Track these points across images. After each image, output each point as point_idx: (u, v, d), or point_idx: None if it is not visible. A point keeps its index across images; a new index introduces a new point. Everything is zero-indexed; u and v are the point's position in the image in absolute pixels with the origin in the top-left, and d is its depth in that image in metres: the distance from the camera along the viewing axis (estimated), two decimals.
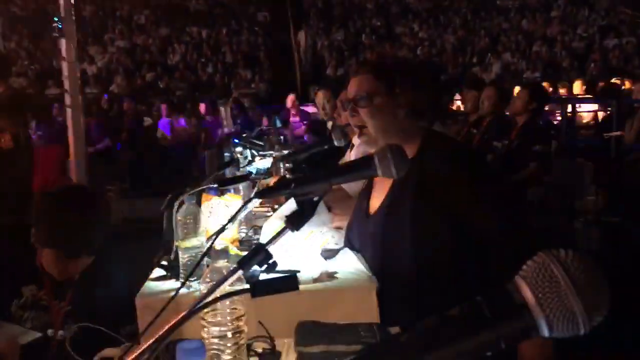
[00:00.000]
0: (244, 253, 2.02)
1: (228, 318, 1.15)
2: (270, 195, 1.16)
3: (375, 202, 1.93)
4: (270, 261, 1.05)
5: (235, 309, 1.17)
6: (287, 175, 2.38)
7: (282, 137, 4.54)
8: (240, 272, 1.06)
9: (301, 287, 1.80)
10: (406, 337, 0.65)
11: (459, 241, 1.68)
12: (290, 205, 1.16)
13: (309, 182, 1.07)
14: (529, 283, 0.62)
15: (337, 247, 2.12)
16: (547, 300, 0.62)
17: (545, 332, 0.62)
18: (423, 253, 1.73)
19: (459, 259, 1.69)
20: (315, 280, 1.86)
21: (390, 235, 1.81)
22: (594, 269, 0.62)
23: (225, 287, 1.08)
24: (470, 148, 1.97)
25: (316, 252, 2.03)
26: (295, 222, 1.04)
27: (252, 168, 3.57)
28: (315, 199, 1.07)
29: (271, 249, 1.08)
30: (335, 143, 2.41)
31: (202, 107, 9.65)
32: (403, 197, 1.79)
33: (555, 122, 7.62)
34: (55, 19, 5.68)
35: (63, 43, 5.79)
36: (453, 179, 1.71)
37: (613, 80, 9.14)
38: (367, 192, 2.02)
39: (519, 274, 0.64)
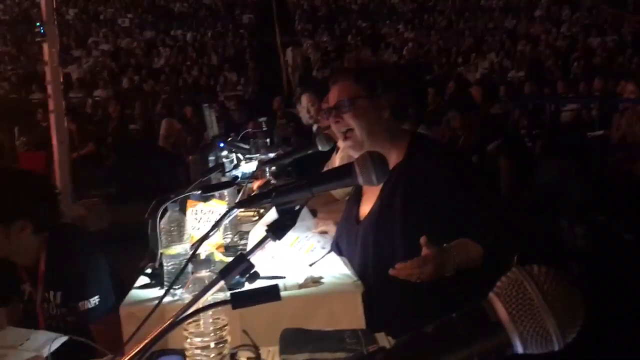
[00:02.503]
0: (230, 259, 2.02)
1: (211, 328, 1.15)
2: (251, 205, 1.15)
3: (365, 207, 1.93)
4: (252, 271, 1.05)
5: (218, 318, 1.16)
6: (272, 180, 2.38)
7: (268, 140, 4.51)
8: (222, 282, 1.05)
9: (286, 293, 1.81)
10: (382, 355, 0.65)
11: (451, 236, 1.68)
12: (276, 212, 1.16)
13: (290, 191, 1.06)
14: (503, 300, 0.62)
15: (323, 251, 2.12)
16: (520, 317, 0.62)
17: (519, 349, 0.63)
18: (413, 257, 1.73)
19: None
20: (300, 286, 1.85)
21: (381, 240, 1.81)
22: (567, 284, 0.63)
23: (208, 297, 1.07)
24: (456, 150, 1.98)
25: (302, 258, 2.03)
26: (276, 231, 1.04)
27: (238, 172, 3.55)
28: (297, 207, 1.06)
29: (257, 255, 1.08)
30: (319, 148, 2.41)
31: (188, 111, 9.62)
32: (393, 201, 1.79)
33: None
34: (37, 24, 5.62)
35: (45, 47, 5.73)
36: (442, 182, 1.71)
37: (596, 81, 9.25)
38: (356, 198, 2.01)
39: (493, 290, 0.64)
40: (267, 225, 1.05)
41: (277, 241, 1.05)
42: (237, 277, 1.07)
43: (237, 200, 2.42)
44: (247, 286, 1.19)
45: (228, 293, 1.25)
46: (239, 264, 1.03)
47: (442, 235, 1.68)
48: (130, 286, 2.00)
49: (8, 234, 1.95)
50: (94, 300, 1.98)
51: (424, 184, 1.73)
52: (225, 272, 1.02)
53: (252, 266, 1.03)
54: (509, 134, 5.42)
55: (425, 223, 1.72)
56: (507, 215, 1.80)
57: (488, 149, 4.61)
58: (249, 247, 1.96)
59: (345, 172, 1.11)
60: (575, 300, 0.63)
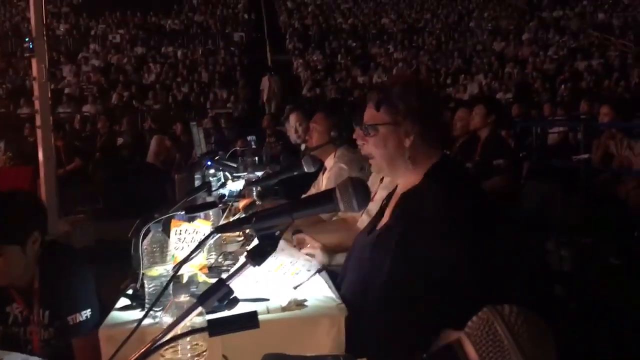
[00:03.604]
0: (213, 280, 1.99)
1: (189, 355, 1.13)
2: (231, 230, 1.14)
3: (384, 220, 1.87)
4: (232, 296, 1.04)
5: (197, 344, 1.14)
6: (257, 201, 2.37)
7: (256, 158, 4.51)
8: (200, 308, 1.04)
9: (269, 316, 1.80)
10: None
11: (435, 276, 1.64)
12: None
13: (271, 216, 1.05)
14: (473, 341, 0.61)
15: (308, 274, 2.11)
16: (490, 359, 0.61)
17: None
18: (397, 282, 1.69)
19: (432, 294, 1.64)
20: (283, 309, 1.84)
21: (374, 260, 1.76)
22: (538, 325, 0.62)
23: (186, 323, 1.06)
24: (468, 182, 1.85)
25: (287, 280, 2.02)
26: (256, 257, 1.03)
27: (225, 190, 3.53)
28: (277, 233, 1.05)
29: (241, 279, 1.06)
30: (305, 169, 2.41)
31: (178, 128, 9.61)
32: (395, 224, 1.76)
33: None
34: (26, 39, 5.60)
35: (34, 62, 5.71)
36: (431, 223, 1.66)
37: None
38: (386, 205, 1.94)
39: (464, 331, 0.63)
40: (247, 251, 1.04)
41: (258, 267, 1.04)
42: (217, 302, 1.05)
43: (220, 222, 2.41)
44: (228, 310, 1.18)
45: (207, 317, 1.23)
46: (218, 289, 1.02)
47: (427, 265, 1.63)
48: (112, 306, 1.98)
49: (24, 250, 1.99)
50: (86, 313, 2.00)
51: (421, 214, 1.69)
52: (203, 298, 1.01)
53: (232, 291, 1.02)
54: (515, 155, 5.32)
55: (417, 253, 1.65)
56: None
57: (494, 164, 4.55)
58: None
59: (326, 198, 1.10)
60: (547, 342, 0.62)
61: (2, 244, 1.93)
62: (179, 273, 1.82)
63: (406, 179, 1.82)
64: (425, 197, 1.73)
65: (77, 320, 1.98)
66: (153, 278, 1.81)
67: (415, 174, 1.80)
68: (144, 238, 1.94)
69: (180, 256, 2.06)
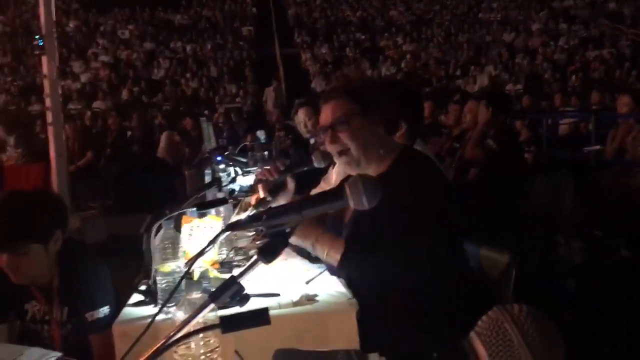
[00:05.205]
0: (225, 275, 2.01)
1: (201, 351, 1.14)
2: (241, 228, 1.15)
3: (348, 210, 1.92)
4: (243, 293, 1.05)
5: (209, 340, 1.16)
6: (268, 198, 2.37)
7: (266, 153, 4.51)
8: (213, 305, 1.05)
9: (280, 311, 1.81)
10: None
11: (434, 264, 1.67)
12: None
13: (281, 214, 1.06)
14: (483, 341, 0.62)
15: (319, 270, 2.12)
16: (500, 358, 0.61)
17: None
18: (396, 274, 1.71)
19: (434, 282, 1.66)
20: (295, 304, 1.85)
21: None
22: (546, 324, 0.62)
23: (199, 320, 1.07)
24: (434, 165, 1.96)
25: (298, 277, 2.04)
26: (267, 254, 1.04)
27: (235, 185, 3.55)
28: (288, 230, 1.06)
29: (251, 275, 1.07)
30: (315, 164, 2.41)
31: (187, 123, 9.63)
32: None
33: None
34: (36, 37, 5.63)
35: (44, 60, 5.74)
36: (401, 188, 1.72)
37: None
38: None
39: (475, 330, 0.64)
40: (258, 248, 1.05)
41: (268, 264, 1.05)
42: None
43: (231, 217, 2.43)
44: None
45: (219, 312, 1.25)
46: (230, 286, 1.03)
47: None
48: (125, 302, 2.01)
49: (47, 248, 2.01)
50: (104, 310, 2.02)
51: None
52: (215, 295, 1.02)
53: (243, 289, 1.03)
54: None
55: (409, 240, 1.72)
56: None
57: (486, 142, 4.52)
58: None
59: (336, 195, 1.11)
60: (556, 341, 0.62)
61: (27, 243, 1.95)
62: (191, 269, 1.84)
63: (377, 168, 1.86)
64: (394, 182, 1.76)
65: (95, 317, 2.01)
66: (165, 274, 1.83)
67: (384, 163, 1.85)
68: (155, 234, 1.96)
69: (192, 252, 2.08)
